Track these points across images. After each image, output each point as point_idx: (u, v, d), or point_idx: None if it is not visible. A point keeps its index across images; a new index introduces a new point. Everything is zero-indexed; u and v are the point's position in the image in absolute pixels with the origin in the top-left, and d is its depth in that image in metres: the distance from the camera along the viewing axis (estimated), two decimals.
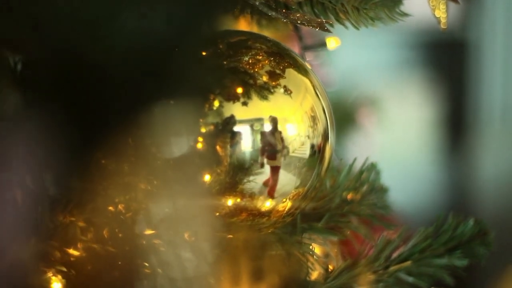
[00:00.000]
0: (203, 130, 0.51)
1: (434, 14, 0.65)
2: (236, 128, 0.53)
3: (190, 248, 0.43)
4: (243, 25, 0.67)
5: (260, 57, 0.57)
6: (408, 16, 0.64)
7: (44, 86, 0.39)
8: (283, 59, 0.57)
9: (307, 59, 0.67)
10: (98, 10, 0.39)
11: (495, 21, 2.58)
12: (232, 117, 0.53)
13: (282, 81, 0.56)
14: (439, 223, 0.65)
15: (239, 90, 0.54)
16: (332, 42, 0.75)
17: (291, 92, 0.56)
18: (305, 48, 0.72)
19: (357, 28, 0.61)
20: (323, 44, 0.74)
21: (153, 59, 0.40)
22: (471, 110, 2.62)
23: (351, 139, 1.05)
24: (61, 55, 0.39)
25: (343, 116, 1.02)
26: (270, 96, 0.55)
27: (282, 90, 0.55)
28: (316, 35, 0.77)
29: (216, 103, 0.53)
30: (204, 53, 0.51)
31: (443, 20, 0.64)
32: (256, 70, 0.55)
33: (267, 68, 0.56)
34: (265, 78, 0.55)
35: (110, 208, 0.43)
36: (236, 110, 0.53)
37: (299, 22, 0.57)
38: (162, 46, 0.40)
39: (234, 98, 0.53)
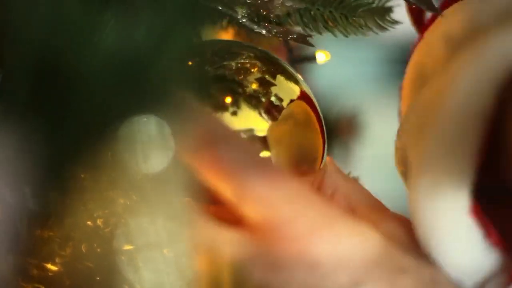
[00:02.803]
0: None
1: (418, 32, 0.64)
2: None
3: (169, 264, 0.42)
4: (232, 35, 0.66)
5: (249, 66, 0.55)
6: (399, 23, 0.63)
7: (22, 98, 0.38)
8: (273, 68, 0.56)
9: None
10: (78, 22, 0.38)
11: None
12: None
13: (273, 89, 0.54)
14: None
15: (228, 99, 0.53)
16: (321, 56, 0.73)
17: (282, 101, 0.54)
18: (294, 61, 0.71)
19: (347, 36, 0.60)
20: (312, 58, 0.73)
21: (134, 72, 0.39)
22: None
23: (333, 153, 1.04)
24: (40, 67, 0.38)
25: (327, 130, 1.01)
26: (260, 106, 0.53)
27: (274, 99, 0.54)
28: (305, 48, 0.76)
29: None
30: (189, 63, 0.50)
31: None
32: (245, 78, 0.54)
33: (257, 76, 0.55)
34: (254, 87, 0.54)
35: (89, 223, 0.42)
36: (225, 120, 0.52)
37: (281, 36, 0.57)
38: (144, 57, 0.39)
39: (222, 108, 0.52)
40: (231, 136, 0.48)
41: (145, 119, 0.39)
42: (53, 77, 0.38)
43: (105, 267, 0.42)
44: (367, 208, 0.53)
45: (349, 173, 0.61)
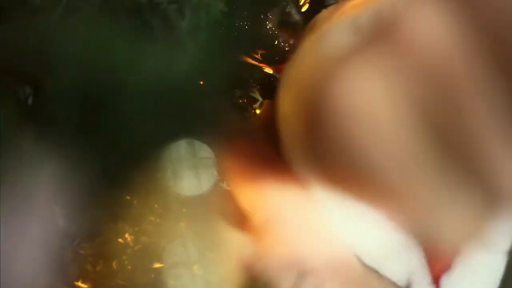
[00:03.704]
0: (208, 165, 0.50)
1: None
2: None
3: (199, 282, 0.42)
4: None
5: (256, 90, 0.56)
6: None
7: (62, 122, 0.38)
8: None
9: None
10: (120, 50, 0.38)
11: None
12: None
13: None
14: None
15: None
16: None
17: None
18: None
19: None
20: None
21: (174, 97, 0.39)
22: None
23: None
24: (82, 93, 0.38)
25: None
26: None
27: None
28: None
29: None
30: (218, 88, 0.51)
31: None
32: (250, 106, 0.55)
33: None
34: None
35: (120, 240, 0.42)
36: None
37: None
38: (184, 83, 0.40)
39: None
40: (256, 135, 0.48)
41: (184, 143, 0.40)
42: (95, 102, 0.38)
43: (136, 284, 0.42)
44: None
45: None
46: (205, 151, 0.42)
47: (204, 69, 0.42)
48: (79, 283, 0.43)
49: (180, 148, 0.40)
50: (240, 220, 0.48)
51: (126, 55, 0.41)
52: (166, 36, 0.46)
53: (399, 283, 0.47)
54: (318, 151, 0.43)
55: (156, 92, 0.39)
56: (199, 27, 0.47)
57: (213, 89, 0.46)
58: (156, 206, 0.42)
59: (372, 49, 0.40)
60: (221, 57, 0.45)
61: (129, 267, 0.42)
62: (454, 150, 0.39)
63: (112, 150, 0.39)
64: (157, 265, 0.43)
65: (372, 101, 0.38)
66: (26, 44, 0.39)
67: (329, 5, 0.54)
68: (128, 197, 0.41)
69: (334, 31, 0.45)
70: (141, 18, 0.47)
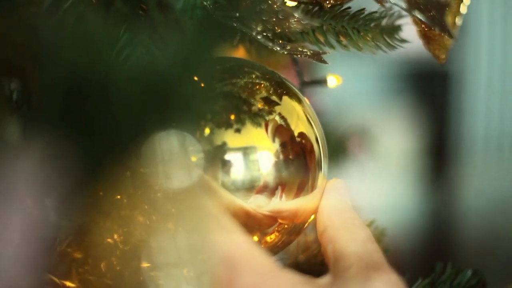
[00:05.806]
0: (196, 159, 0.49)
1: (430, 51, 0.63)
2: (227, 157, 0.51)
3: (190, 282, 0.41)
4: (242, 53, 0.65)
5: (256, 85, 0.55)
6: (407, 42, 0.63)
7: (48, 115, 0.37)
8: (278, 88, 0.55)
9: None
10: (103, 42, 0.37)
11: (478, 54, 2.61)
12: (224, 144, 0.51)
13: (277, 109, 0.53)
14: (437, 275, 0.63)
15: (232, 116, 0.52)
16: (332, 80, 0.71)
17: (285, 120, 0.53)
18: (304, 84, 0.70)
19: (360, 49, 0.59)
20: (322, 81, 0.71)
21: (154, 90, 0.38)
22: (453, 140, 2.63)
23: (343, 169, 1.03)
24: (66, 85, 0.37)
25: (335, 145, 1.00)
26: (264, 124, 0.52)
27: (277, 118, 0.53)
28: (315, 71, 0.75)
29: (219, 131, 0.51)
30: (202, 82, 0.50)
31: (442, 56, 0.63)
32: (251, 97, 0.53)
33: (262, 96, 0.54)
34: (259, 106, 0.53)
35: (109, 240, 0.41)
36: (228, 137, 0.51)
37: (295, 53, 0.56)
38: (166, 74, 0.38)
39: (226, 124, 0.51)
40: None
41: (168, 134, 0.38)
42: (79, 95, 0.37)
43: (125, 285, 0.41)
44: (360, 259, 0.50)
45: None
46: (194, 145, 0.40)
47: (197, 58, 0.41)
48: (67, 283, 0.42)
49: (169, 142, 0.39)
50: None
51: (115, 46, 0.40)
52: (161, 17, 0.45)
53: None
54: None
55: (144, 84, 0.38)
56: (195, 7, 0.46)
57: (206, 83, 0.45)
58: (145, 205, 0.41)
59: None
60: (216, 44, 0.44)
61: (118, 268, 0.41)
62: None
63: (99, 145, 0.37)
64: (146, 266, 0.41)
65: None
66: (12, 37, 0.39)
67: None
68: (117, 196, 0.40)
69: None
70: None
